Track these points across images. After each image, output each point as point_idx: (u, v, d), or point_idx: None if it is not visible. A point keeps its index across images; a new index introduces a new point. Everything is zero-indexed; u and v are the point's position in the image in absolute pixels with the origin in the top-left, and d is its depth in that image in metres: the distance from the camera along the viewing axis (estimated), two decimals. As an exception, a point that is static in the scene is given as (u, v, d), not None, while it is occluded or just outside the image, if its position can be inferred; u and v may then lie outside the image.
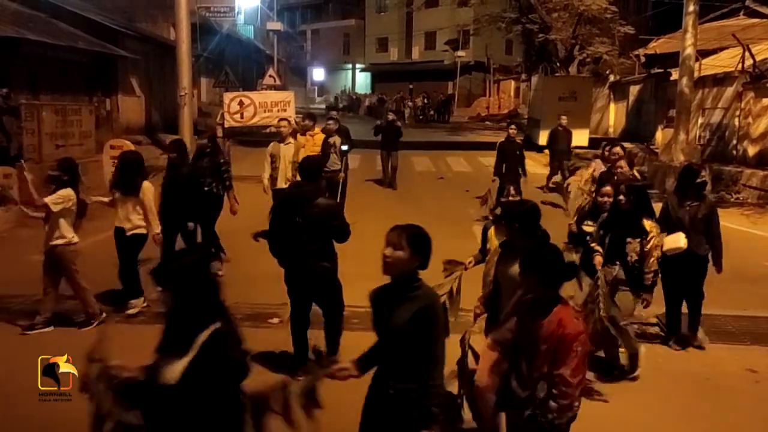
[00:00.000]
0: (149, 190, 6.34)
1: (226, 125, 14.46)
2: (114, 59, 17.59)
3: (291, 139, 8.87)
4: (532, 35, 27.82)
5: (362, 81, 54.22)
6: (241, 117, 14.16)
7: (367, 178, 15.13)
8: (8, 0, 15.32)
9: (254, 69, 32.57)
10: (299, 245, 4.87)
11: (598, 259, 5.02)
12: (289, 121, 9.51)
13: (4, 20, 13.37)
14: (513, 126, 12.38)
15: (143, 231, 6.38)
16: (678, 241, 5.48)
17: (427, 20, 45.22)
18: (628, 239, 4.99)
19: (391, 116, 15.06)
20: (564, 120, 14.81)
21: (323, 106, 40.63)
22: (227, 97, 14.79)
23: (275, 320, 6.32)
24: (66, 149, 11.85)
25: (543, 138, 21.70)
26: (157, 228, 6.40)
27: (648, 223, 5.01)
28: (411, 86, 42.48)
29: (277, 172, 8.81)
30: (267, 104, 14.35)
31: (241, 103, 14.22)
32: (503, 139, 12.19)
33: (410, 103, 38.07)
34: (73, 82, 15.42)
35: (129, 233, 6.33)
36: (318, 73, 56.26)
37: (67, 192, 5.83)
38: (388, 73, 48.58)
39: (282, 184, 8.71)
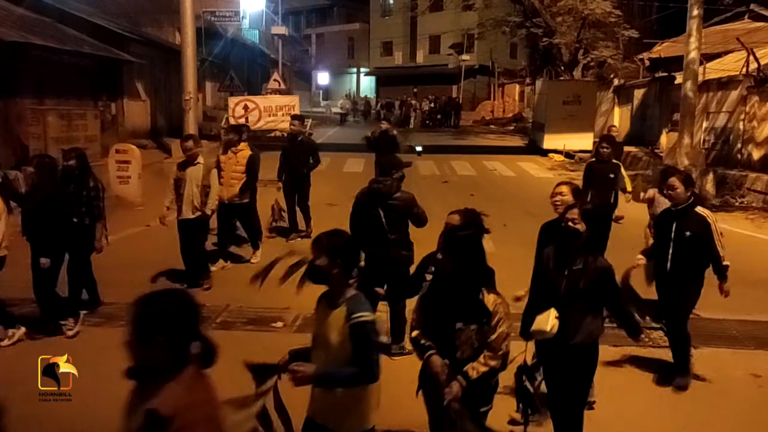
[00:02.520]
0: None
1: (231, 129, 14.53)
2: (119, 64, 17.66)
3: (201, 160, 7.31)
4: (536, 39, 27.82)
5: (367, 85, 54.33)
6: (246, 121, 14.23)
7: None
8: (14, 4, 15.40)
9: (259, 73, 32.68)
10: (381, 236, 5.31)
11: (435, 362, 3.21)
12: (196, 138, 7.66)
13: (10, 25, 13.44)
14: (605, 144, 8.32)
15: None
16: (544, 322, 3.67)
17: (432, 24, 45.28)
18: (458, 324, 3.16)
19: (384, 125, 12.78)
20: (615, 131, 12.27)
21: (337, 109, 40.14)
22: (232, 101, 14.93)
23: (279, 324, 6.37)
24: (71, 153, 11.90)
25: (548, 142, 21.82)
26: None
27: (491, 299, 3.16)
28: (415, 90, 42.54)
29: (181, 200, 7.19)
30: (272, 108, 14.47)
31: (246, 108, 14.34)
32: (592, 160, 8.71)
33: (417, 107, 37.83)
34: (79, 86, 15.49)
35: None
36: (323, 77, 56.36)
37: None
38: (393, 77, 48.70)
39: (188, 213, 7.19)
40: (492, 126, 36.13)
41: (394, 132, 12.73)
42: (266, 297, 6.73)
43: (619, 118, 25.17)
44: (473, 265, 3.21)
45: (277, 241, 9.47)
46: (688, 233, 4.96)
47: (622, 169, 8.11)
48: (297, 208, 9.79)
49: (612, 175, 7.91)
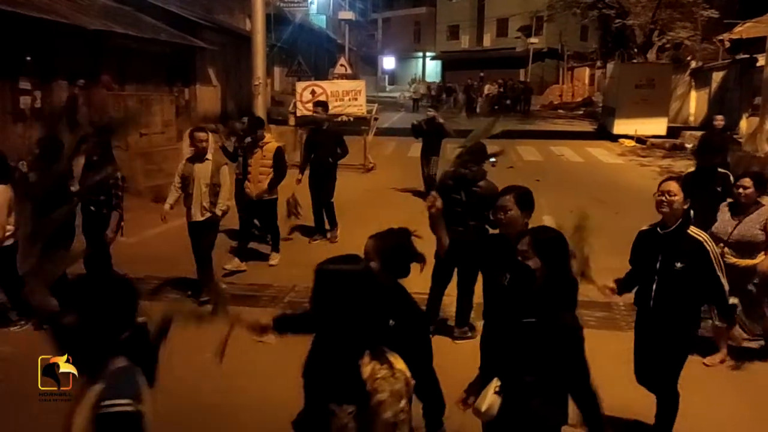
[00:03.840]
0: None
1: (299, 114, 14.85)
2: (193, 50, 18.26)
3: (210, 156, 6.59)
4: (608, 20, 27.01)
5: (432, 69, 54.04)
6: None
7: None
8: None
9: (326, 58, 33.02)
10: (460, 220, 5.34)
11: None
12: (208, 131, 6.86)
13: (94, 14, 14.10)
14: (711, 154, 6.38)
15: (6, 243, 5.43)
16: (482, 398, 2.82)
17: (500, 6, 44.54)
18: (332, 406, 2.39)
19: (431, 113, 12.28)
20: (720, 121, 10.40)
21: (408, 94, 39.58)
22: (300, 86, 15.17)
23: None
24: (149, 138, 12.44)
25: (618, 127, 21.23)
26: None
27: (369, 369, 2.26)
28: (482, 74, 42.02)
29: (190, 200, 6.51)
30: (338, 93, 14.64)
31: (313, 92, 14.55)
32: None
33: (484, 91, 37.03)
34: (155, 72, 16.12)
35: None
36: (388, 62, 56.47)
37: None
38: (459, 61, 48.22)
39: (197, 215, 6.50)
40: (560, 110, 35.31)
41: (441, 119, 12.02)
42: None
43: (696, 103, 24.21)
44: (349, 317, 2.15)
45: (296, 243, 8.68)
46: (678, 265, 3.75)
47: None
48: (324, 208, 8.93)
49: (719, 189, 5.95)
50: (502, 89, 36.21)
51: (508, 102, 35.02)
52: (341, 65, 20.66)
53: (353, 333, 2.15)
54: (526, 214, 3.43)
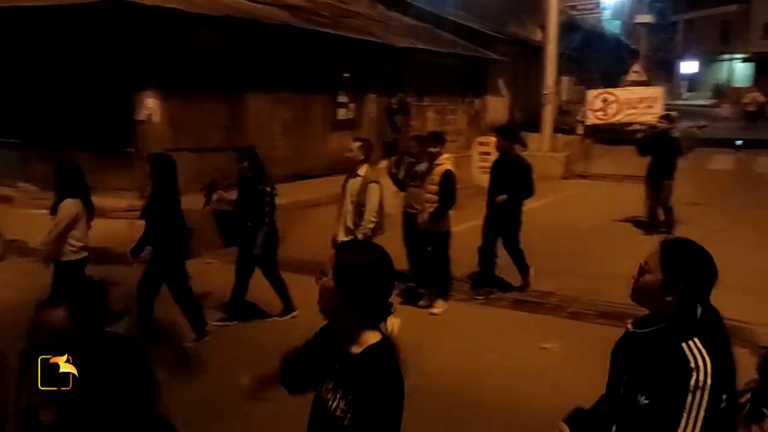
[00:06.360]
0: (66, 207, 5.19)
1: (588, 122, 14.63)
2: (485, 62, 19.03)
3: (364, 170, 5.92)
4: None
5: (741, 73, 48.12)
6: (604, 114, 14.14)
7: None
8: (402, 14, 17.84)
9: (616, 64, 31.62)
10: None
11: None
12: (365, 144, 6.04)
13: (401, 32, 15.60)
14: None
15: (74, 257, 5.24)
16: None
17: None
18: None
19: (662, 124, 9.92)
20: None
21: (720, 105, 34.52)
22: (591, 94, 14.93)
23: (629, 321, 6.27)
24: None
25: None
26: (45, 245, 5.24)
27: None
28: (807, 77, 36.16)
29: (340, 216, 6.09)
30: (632, 101, 14.10)
31: (604, 101, 14.21)
32: None
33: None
34: (450, 84, 17.21)
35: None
36: (688, 67, 51.82)
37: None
38: (778, 62, 42.17)
39: (341, 233, 5.99)
40: None
41: (676, 134, 10.07)
42: (620, 291, 6.68)
43: None
44: None
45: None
46: (644, 399, 1.96)
47: None
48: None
49: None
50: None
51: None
52: (635, 71, 19.76)
53: None
54: (355, 310, 1.85)
